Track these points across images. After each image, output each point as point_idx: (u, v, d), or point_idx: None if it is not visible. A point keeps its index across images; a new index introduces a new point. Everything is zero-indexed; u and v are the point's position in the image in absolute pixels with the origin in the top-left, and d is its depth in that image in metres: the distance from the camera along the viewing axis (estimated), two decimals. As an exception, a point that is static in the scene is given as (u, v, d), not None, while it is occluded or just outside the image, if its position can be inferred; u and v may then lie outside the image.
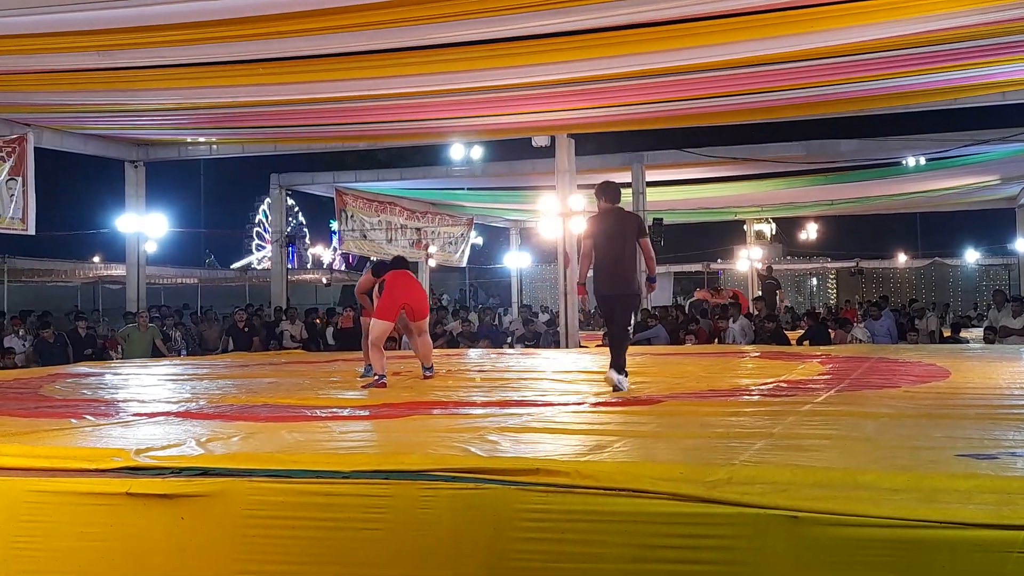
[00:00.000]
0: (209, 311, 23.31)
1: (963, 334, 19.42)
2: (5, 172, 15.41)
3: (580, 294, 8.80)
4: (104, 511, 4.44)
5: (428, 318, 10.17)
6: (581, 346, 17.60)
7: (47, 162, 16.91)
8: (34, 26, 9.82)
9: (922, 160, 19.74)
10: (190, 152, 20.09)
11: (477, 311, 24.35)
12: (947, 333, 19.02)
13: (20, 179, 15.70)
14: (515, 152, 21.34)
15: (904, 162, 20.18)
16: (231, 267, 42.03)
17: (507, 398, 7.77)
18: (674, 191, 22.35)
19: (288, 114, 14.94)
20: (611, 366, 8.19)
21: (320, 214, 42.28)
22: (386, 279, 9.77)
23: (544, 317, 23.81)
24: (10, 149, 15.58)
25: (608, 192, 8.48)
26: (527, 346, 18.27)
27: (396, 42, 10.63)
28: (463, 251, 26.88)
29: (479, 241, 29.11)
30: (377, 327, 9.54)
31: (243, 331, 19.21)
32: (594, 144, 19.86)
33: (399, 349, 15.00)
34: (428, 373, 9.99)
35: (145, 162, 19.97)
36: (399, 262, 10.36)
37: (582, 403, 7.27)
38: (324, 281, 32.63)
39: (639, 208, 19.53)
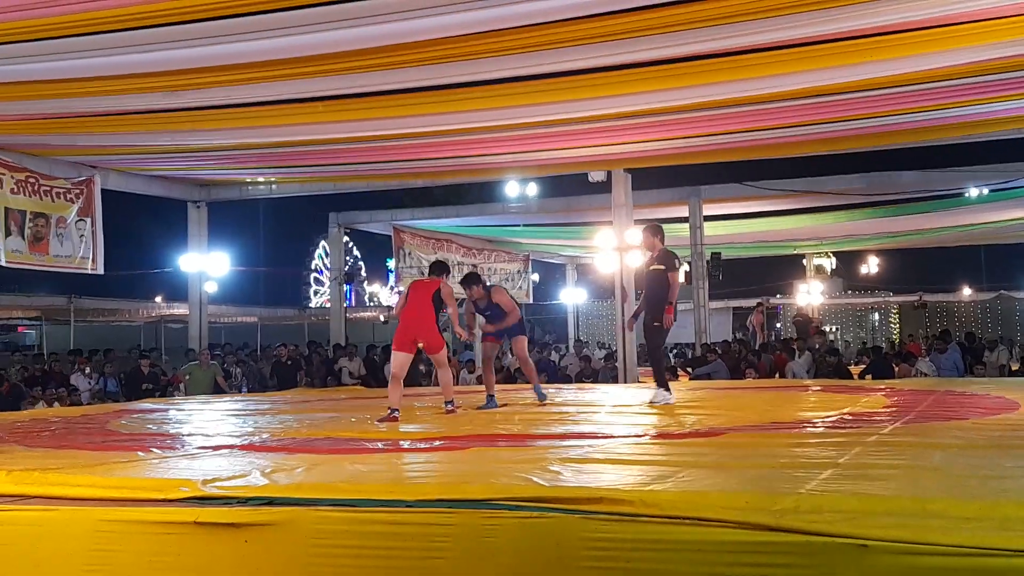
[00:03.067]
0: (268, 349, 23.51)
1: (1033, 367, 19.02)
2: (74, 213, 15.75)
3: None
4: (173, 540, 4.49)
5: (444, 350, 9.85)
6: (640, 381, 17.44)
7: (111, 202, 17.24)
8: (102, 68, 10.04)
9: (985, 191, 19.45)
10: (251, 192, 20.34)
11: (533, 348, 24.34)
12: (1015, 367, 18.63)
13: (89, 220, 16.04)
14: (571, 188, 21.40)
15: (967, 193, 19.89)
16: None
17: (568, 431, 7.76)
18: (732, 225, 22.22)
19: (346, 151, 15.10)
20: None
21: (377, 252, 42.30)
22: (408, 296, 9.69)
23: (601, 353, 23.68)
24: (78, 191, 15.93)
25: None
26: (584, 382, 18.15)
27: (454, 77, 10.71)
28: (525, 288, 26.90)
29: (535, 277, 29.05)
30: (394, 359, 9.46)
31: (286, 364, 19.37)
32: (651, 178, 19.79)
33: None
34: (449, 407, 9.75)
35: (207, 202, 20.23)
36: (438, 267, 10.17)
37: (643, 435, 7.25)
38: (382, 319, 32.83)
39: (697, 242, 19.59)
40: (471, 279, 10.54)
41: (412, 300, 9.55)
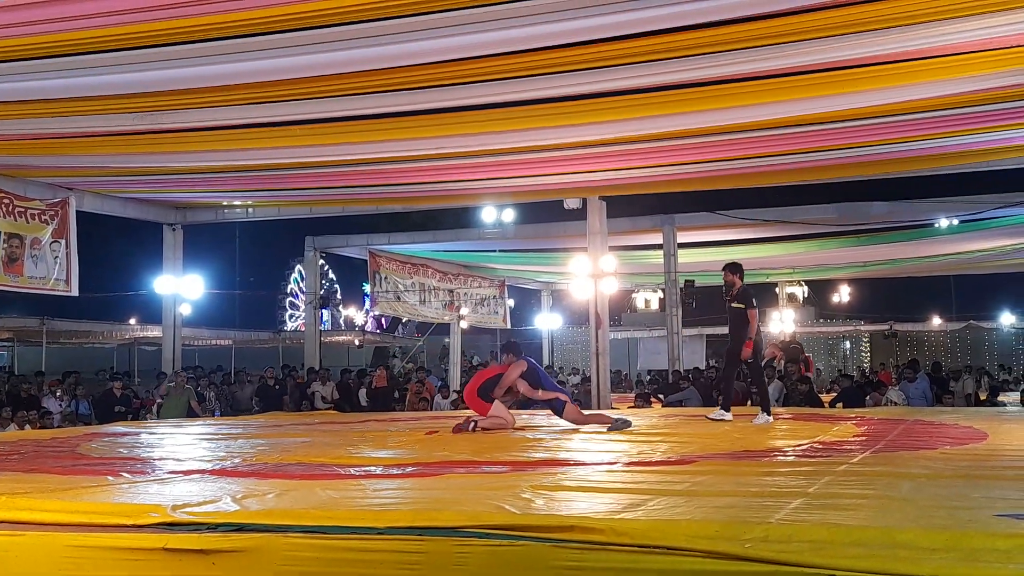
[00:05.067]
0: (241, 372, 23.36)
1: (1000, 397, 19.09)
2: (48, 235, 15.65)
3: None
4: (142, 566, 4.43)
5: (492, 408, 10.44)
6: (612, 407, 17.44)
7: (87, 224, 17.14)
8: (75, 88, 10.01)
9: (955, 221, 19.58)
10: (227, 215, 20.20)
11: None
12: (983, 396, 18.71)
13: (63, 241, 15.94)
14: (546, 214, 21.49)
15: (937, 224, 20.02)
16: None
17: (540, 457, 7.70)
18: (706, 253, 22.32)
19: (323, 175, 15.02)
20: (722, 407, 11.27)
21: (352, 276, 42.16)
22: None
23: (575, 379, 23.68)
24: (53, 212, 15.84)
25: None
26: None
27: (431, 103, 10.73)
28: (502, 313, 26.90)
29: (511, 303, 29.11)
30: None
31: (273, 388, 19.23)
32: (626, 206, 19.75)
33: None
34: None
35: (183, 225, 20.10)
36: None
37: (615, 462, 7.21)
38: (356, 343, 32.66)
39: (670, 270, 19.54)
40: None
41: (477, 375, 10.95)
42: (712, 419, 10.99)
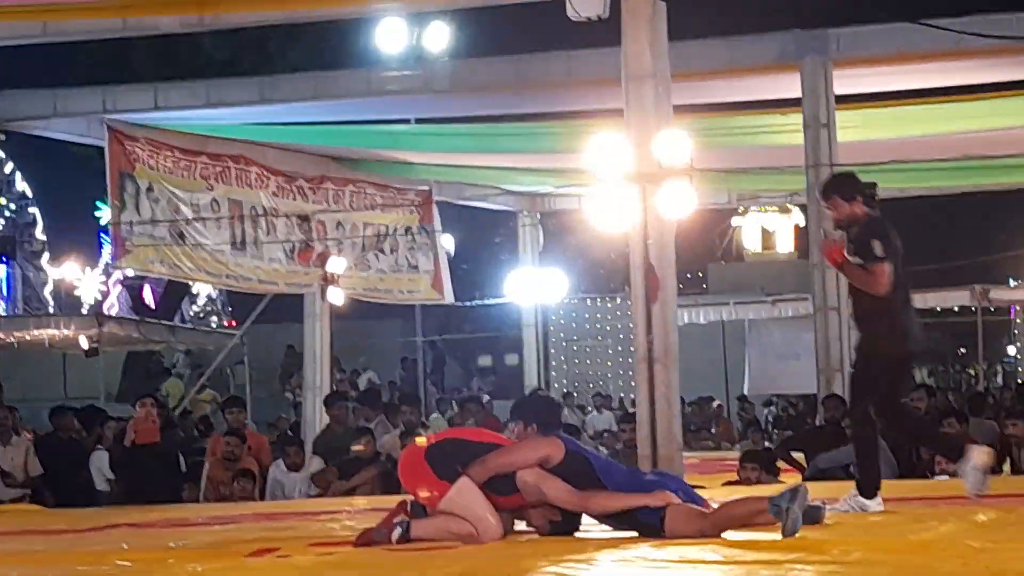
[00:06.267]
0: None
1: None
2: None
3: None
4: None
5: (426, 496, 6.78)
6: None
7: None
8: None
9: None
10: None
11: (445, 408, 16.86)
12: None
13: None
14: (525, 35, 15.86)
15: None
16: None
17: None
18: (892, 119, 14.03)
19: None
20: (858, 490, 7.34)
21: (75, 186, 26.06)
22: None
23: (600, 419, 16.32)
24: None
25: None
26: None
27: None
28: (429, 267, 16.83)
29: (450, 244, 18.47)
30: None
31: None
32: (707, 14, 13.75)
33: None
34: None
35: None
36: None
37: None
38: (83, 344, 18.86)
39: (820, 158, 12.03)
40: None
41: None
42: (840, 510, 7.44)
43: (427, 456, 6.80)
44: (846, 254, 7.47)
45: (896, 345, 7.39)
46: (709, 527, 6.57)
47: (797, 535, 6.08)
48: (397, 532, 6.63)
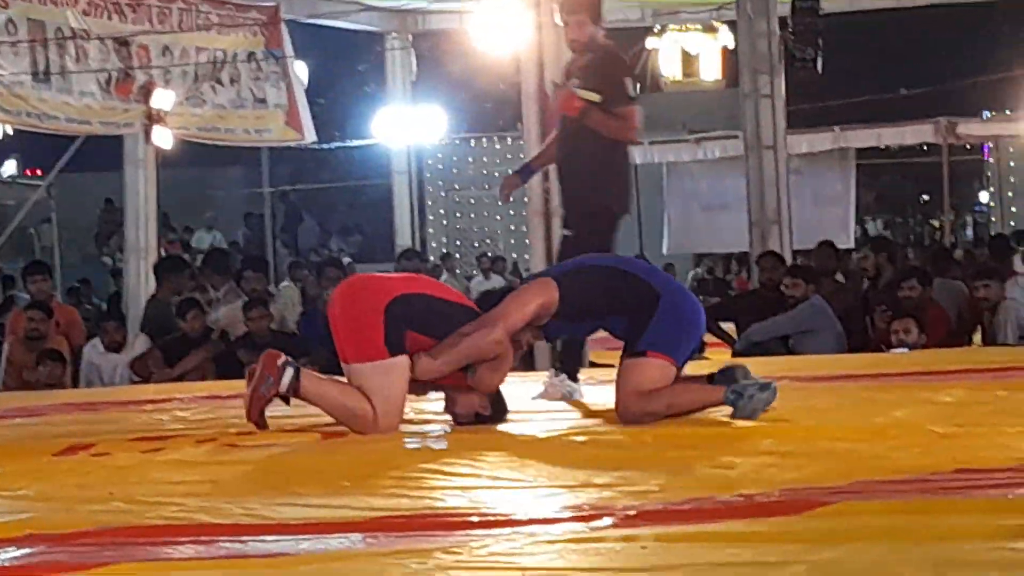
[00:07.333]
0: None
1: None
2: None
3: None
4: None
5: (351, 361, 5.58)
6: (590, 364, 8.75)
7: None
8: None
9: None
10: None
11: (299, 275, 15.30)
12: None
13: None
14: None
15: None
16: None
17: (444, 506, 4.01)
18: None
19: None
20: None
21: None
22: None
23: (487, 286, 14.60)
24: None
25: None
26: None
27: None
28: (282, 100, 14.49)
29: (303, 72, 15.59)
30: None
31: None
32: None
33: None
34: None
35: None
36: None
37: (601, 514, 3.58)
38: None
39: None
40: None
41: None
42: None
43: (388, 308, 5.57)
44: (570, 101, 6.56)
45: (622, 207, 6.61)
46: (662, 408, 5.60)
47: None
48: (289, 374, 5.46)
